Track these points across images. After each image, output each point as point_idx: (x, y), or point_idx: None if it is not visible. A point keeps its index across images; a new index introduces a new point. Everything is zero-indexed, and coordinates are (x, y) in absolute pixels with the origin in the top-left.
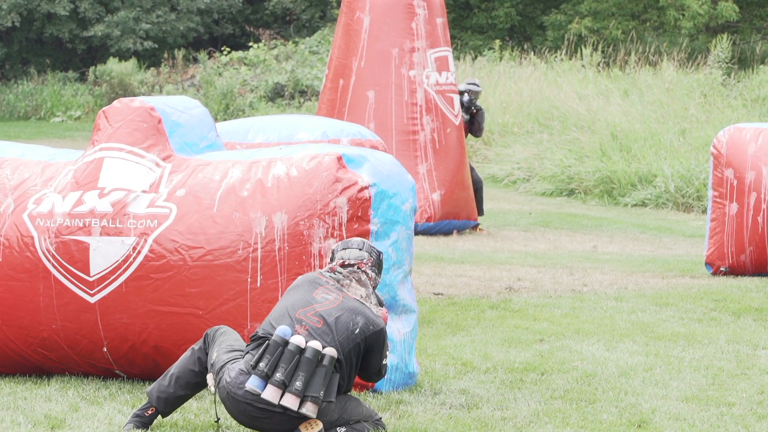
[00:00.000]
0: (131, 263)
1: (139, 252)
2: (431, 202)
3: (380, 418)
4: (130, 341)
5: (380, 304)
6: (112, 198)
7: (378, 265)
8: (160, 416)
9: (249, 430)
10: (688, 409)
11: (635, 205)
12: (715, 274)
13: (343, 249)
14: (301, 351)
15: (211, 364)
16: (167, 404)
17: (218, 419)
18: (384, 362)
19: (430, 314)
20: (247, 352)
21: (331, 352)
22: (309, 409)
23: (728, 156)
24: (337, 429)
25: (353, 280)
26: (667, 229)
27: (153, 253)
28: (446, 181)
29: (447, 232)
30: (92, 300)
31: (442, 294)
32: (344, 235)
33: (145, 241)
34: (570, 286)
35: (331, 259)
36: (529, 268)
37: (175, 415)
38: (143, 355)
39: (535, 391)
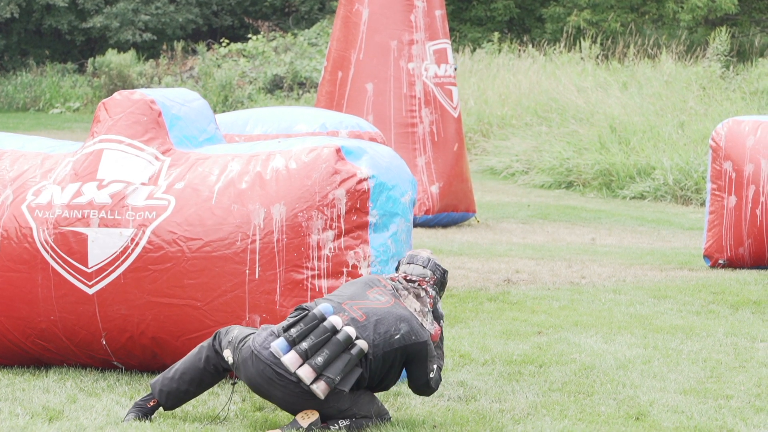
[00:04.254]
0: (129, 254)
1: (137, 243)
2: (430, 194)
3: (390, 417)
4: (128, 332)
5: (437, 319)
6: (110, 190)
7: (441, 283)
8: (161, 408)
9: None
10: (686, 401)
11: (634, 197)
12: (713, 266)
13: (408, 263)
14: (335, 331)
15: (229, 341)
16: (169, 398)
17: (234, 382)
18: (431, 375)
19: None
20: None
21: (362, 344)
22: (320, 387)
23: (727, 149)
24: (339, 422)
25: (411, 293)
26: (666, 222)
27: (151, 245)
28: (445, 173)
29: (445, 225)
30: (90, 291)
31: None
32: (342, 227)
33: (144, 232)
34: (568, 278)
35: (396, 269)
36: (528, 260)
37: None
38: (141, 346)
39: (533, 384)
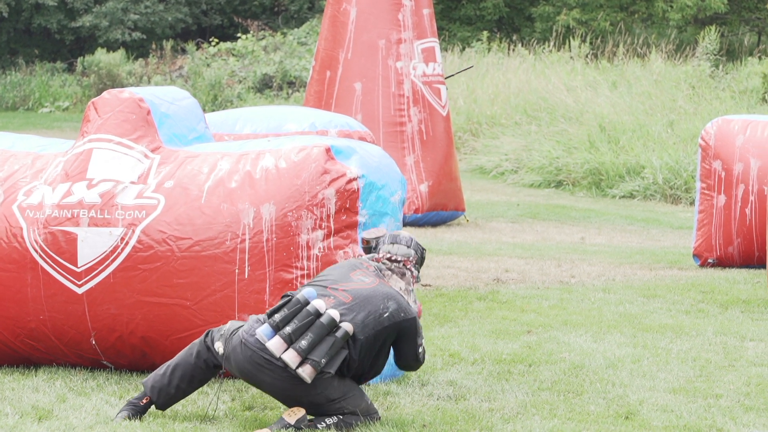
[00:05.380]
0: (119, 254)
1: (126, 243)
2: (419, 193)
3: (379, 417)
4: (118, 332)
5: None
6: (100, 189)
7: (420, 261)
8: (153, 406)
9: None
10: (676, 400)
11: (623, 196)
12: (702, 265)
13: (391, 243)
14: (318, 315)
15: (221, 334)
16: (161, 394)
17: (221, 373)
18: (420, 350)
19: None
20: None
21: (347, 327)
22: (306, 371)
23: (716, 148)
24: (326, 420)
25: (395, 273)
26: (655, 221)
27: (141, 244)
28: (434, 172)
29: (435, 224)
30: (80, 291)
31: (429, 285)
32: (332, 227)
33: (133, 231)
34: (558, 277)
35: (374, 248)
36: (517, 259)
37: None
38: (131, 345)
39: (522, 383)
